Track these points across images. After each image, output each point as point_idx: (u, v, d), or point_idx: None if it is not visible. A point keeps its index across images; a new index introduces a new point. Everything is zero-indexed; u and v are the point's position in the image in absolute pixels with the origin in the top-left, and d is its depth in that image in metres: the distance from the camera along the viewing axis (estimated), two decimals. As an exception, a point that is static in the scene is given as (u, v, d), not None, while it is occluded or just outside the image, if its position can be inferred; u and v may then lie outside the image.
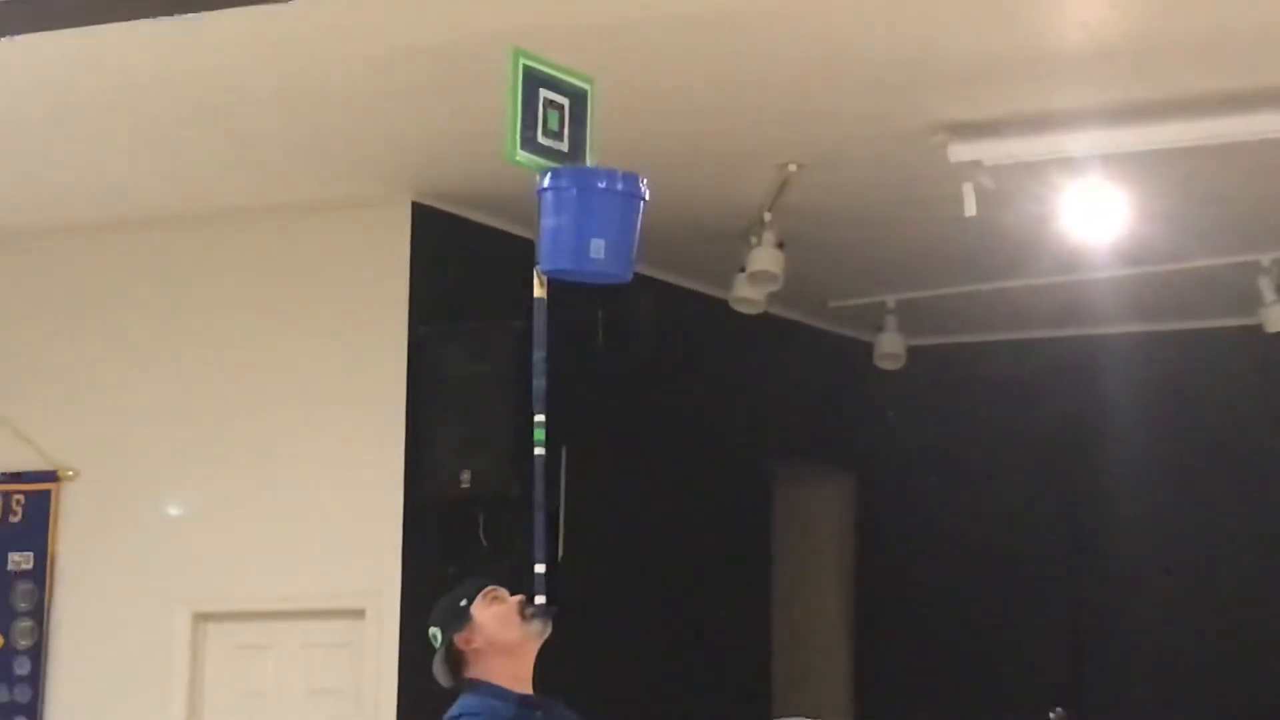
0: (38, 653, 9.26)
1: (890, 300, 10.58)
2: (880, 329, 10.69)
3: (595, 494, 9.47)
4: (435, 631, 5.21)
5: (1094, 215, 8.53)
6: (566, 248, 5.01)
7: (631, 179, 5.08)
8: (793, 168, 8.59)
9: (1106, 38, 7.15)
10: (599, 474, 9.53)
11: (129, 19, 6.84)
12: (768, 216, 8.99)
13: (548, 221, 5.01)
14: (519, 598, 5.13)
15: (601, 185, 5.03)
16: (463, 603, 5.18)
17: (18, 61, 7.36)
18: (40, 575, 9.33)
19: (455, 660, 5.18)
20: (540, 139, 5.06)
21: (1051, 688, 10.25)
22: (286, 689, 9.04)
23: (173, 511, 9.13)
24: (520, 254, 9.29)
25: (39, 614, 9.29)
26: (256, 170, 8.83)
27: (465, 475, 8.70)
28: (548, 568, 5.14)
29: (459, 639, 5.16)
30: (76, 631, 9.26)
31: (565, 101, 5.09)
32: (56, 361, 9.57)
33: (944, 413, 11.25)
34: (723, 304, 9.63)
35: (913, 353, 10.72)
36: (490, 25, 6.85)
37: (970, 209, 8.04)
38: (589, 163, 5.10)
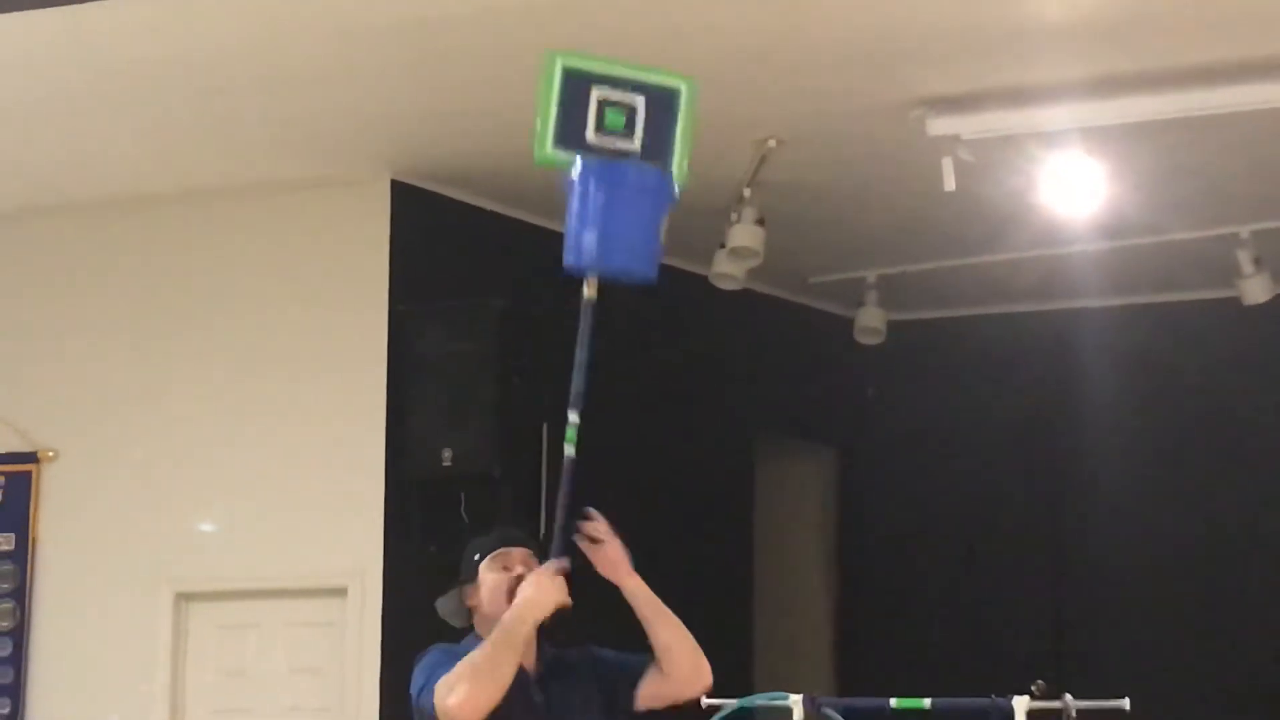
0: (19, 634, 9.25)
1: (870, 275, 10.59)
2: (860, 304, 10.70)
3: (578, 470, 9.46)
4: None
5: (1073, 188, 8.55)
6: (586, 242, 4.87)
7: (651, 172, 4.89)
8: (772, 143, 8.58)
9: (1084, 10, 7.16)
10: (580, 451, 9.52)
11: (107, -1, 6.84)
12: (747, 192, 8.98)
13: (570, 217, 4.88)
14: (516, 574, 5.05)
15: (623, 179, 4.84)
16: (476, 556, 5.13)
17: (-5, 41, 7.35)
18: (21, 556, 9.32)
19: (465, 606, 5.16)
20: (592, 138, 4.87)
21: (1033, 660, 10.27)
22: (269, 668, 9.05)
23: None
24: (500, 232, 9.40)
25: (20, 595, 9.29)
26: (235, 149, 8.81)
27: (447, 454, 8.70)
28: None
29: (466, 591, 5.12)
30: (58, 612, 9.26)
31: (637, 101, 4.88)
32: (36, 342, 9.56)
33: (925, 387, 11.27)
34: (703, 280, 9.62)
35: (893, 327, 10.73)
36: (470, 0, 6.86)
37: (949, 183, 8.04)
38: (677, 163, 4.90)
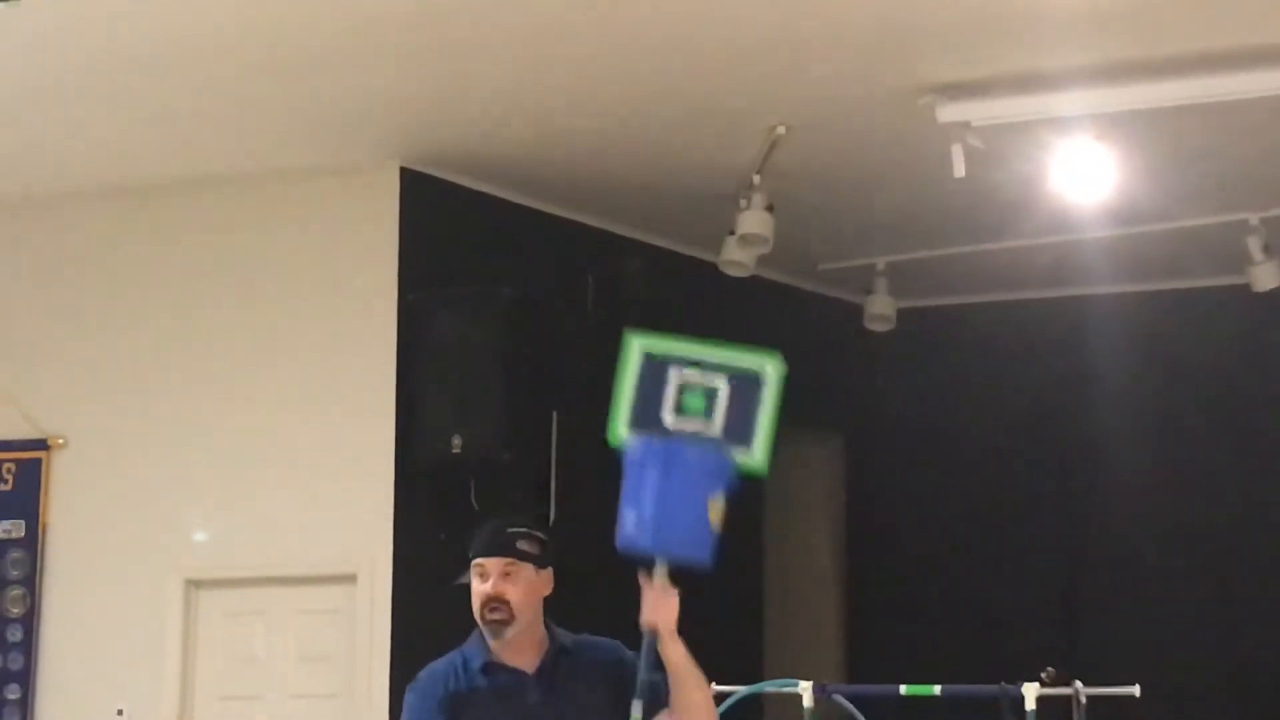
0: (30, 620, 9.27)
1: (880, 262, 10.58)
2: (870, 291, 10.69)
3: (586, 458, 9.46)
4: None
5: (1083, 175, 8.53)
6: (642, 524, 4.75)
7: (714, 457, 4.76)
8: (781, 130, 8.57)
9: (1095, -3, 7.15)
10: (590, 438, 9.52)
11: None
12: (757, 179, 8.97)
13: (626, 496, 4.79)
14: (486, 595, 4.94)
15: (683, 460, 4.71)
16: (471, 553, 5.04)
17: (1, 27, 7.33)
18: (31, 543, 9.33)
19: None
20: (670, 421, 4.77)
21: (1043, 647, 10.27)
22: (279, 655, 9.05)
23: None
24: (510, 219, 9.40)
25: (30, 582, 9.30)
26: (244, 137, 8.80)
27: (456, 441, 8.70)
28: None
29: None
30: (68, 599, 9.27)
31: (719, 382, 4.81)
32: (45, 329, 9.56)
33: (934, 375, 11.27)
34: (712, 267, 9.62)
35: (902, 314, 10.72)
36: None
37: (959, 170, 8.03)
38: (759, 448, 4.78)
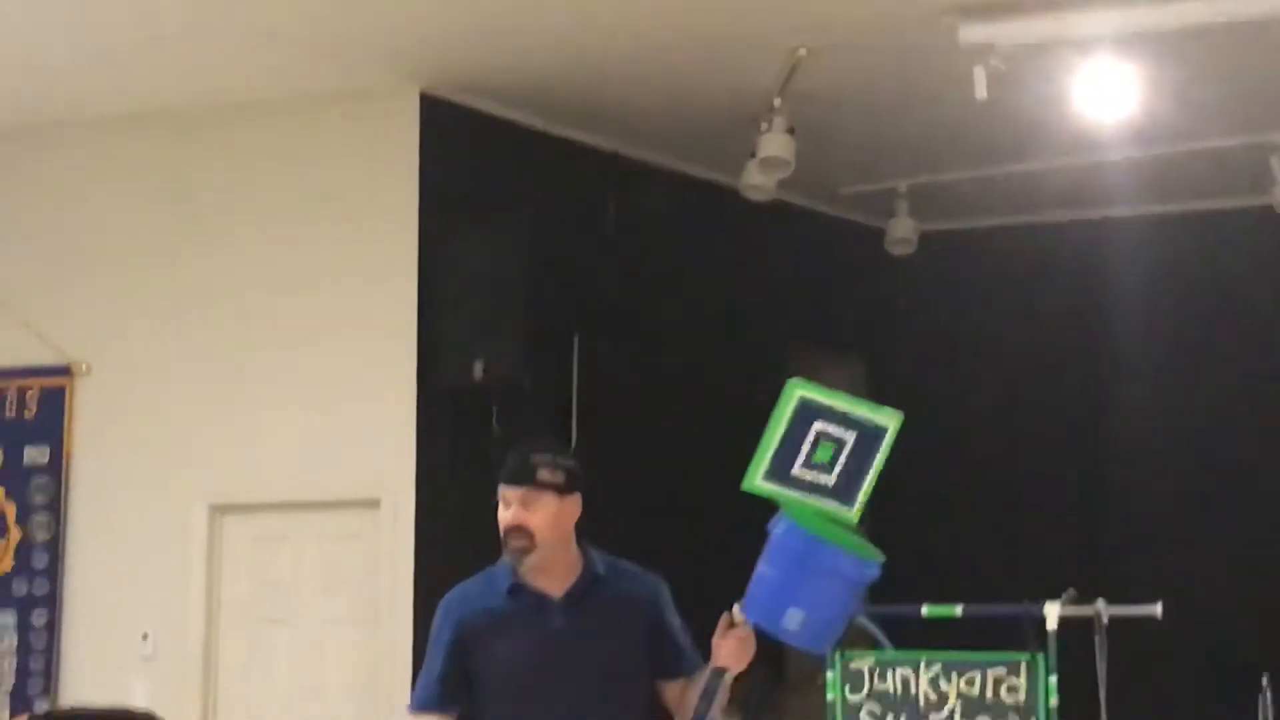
0: (55, 546, 9.31)
1: (901, 185, 10.55)
2: (891, 214, 10.67)
3: (607, 382, 9.49)
4: None
5: (1105, 96, 8.48)
6: (762, 602, 4.71)
7: (863, 566, 4.72)
8: (803, 52, 8.54)
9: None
10: (611, 362, 9.54)
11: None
12: (778, 102, 8.94)
13: (762, 566, 4.73)
14: (507, 523, 4.96)
15: (829, 566, 4.67)
16: (500, 482, 5.03)
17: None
18: (56, 469, 9.37)
19: None
20: (797, 470, 4.75)
21: (1065, 566, 10.30)
22: (303, 579, 9.10)
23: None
24: (530, 144, 9.38)
25: (55, 508, 9.34)
26: (264, 62, 8.79)
27: (478, 366, 8.71)
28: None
29: None
30: (93, 525, 9.31)
31: (849, 436, 4.76)
32: (68, 256, 9.57)
33: (955, 297, 11.24)
34: (733, 191, 9.60)
35: (924, 238, 10.70)
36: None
37: (981, 92, 7.99)
38: (859, 503, 4.79)
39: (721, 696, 4.88)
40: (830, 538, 4.70)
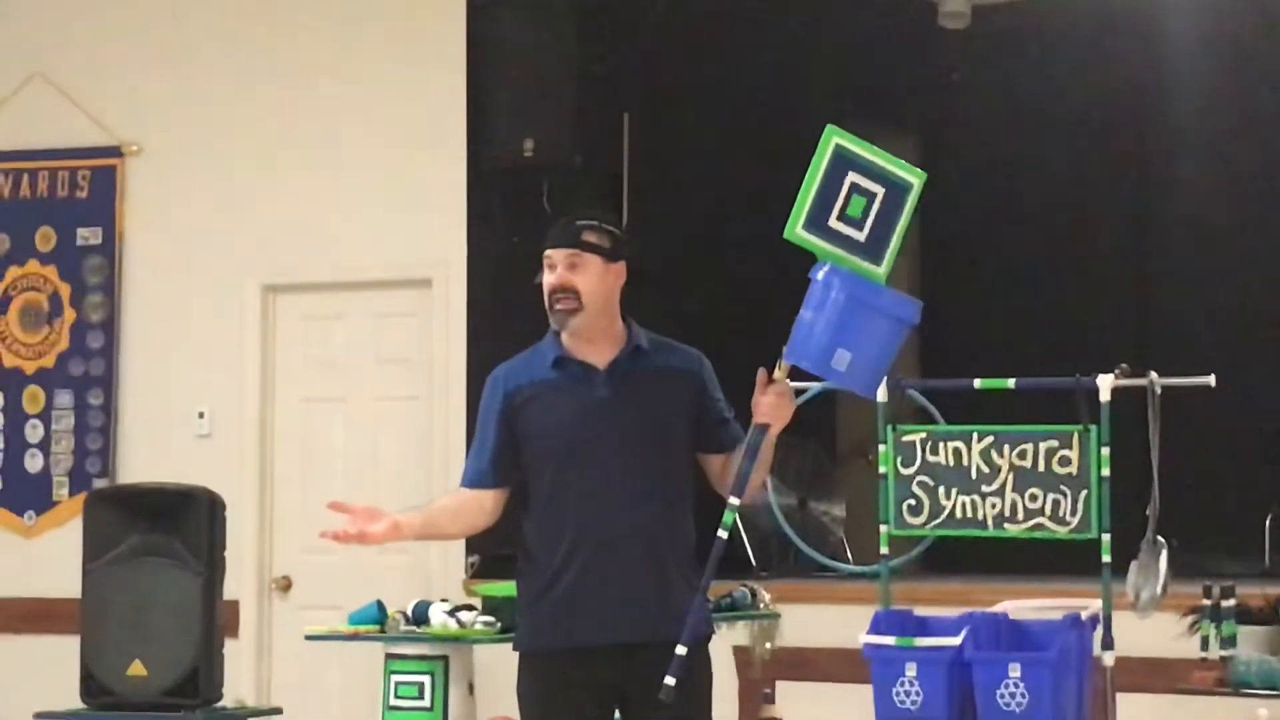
0: (110, 327, 9.37)
1: (955, -44, 10.39)
2: (945, -13, 10.52)
3: (658, 159, 9.46)
4: None
5: None
6: (812, 348, 4.73)
7: (905, 304, 4.82)
8: None
9: None
10: (662, 138, 9.50)
11: None
12: None
13: (805, 313, 4.75)
14: (553, 285, 4.97)
15: (872, 302, 4.75)
16: (546, 247, 5.03)
17: None
18: (109, 249, 9.40)
19: None
20: (833, 222, 4.77)
21: (1118, 340, 10.30)
22: (356, 358, 9.16)
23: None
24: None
25: (109, 288, 9.39)
26: None
27: (528, 144, 8.70)
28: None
29: None
30: (147, 305, 9.36)
31: (879, 191, 4.78)
32: (119, 37, 9.53)
33: (1009, 71, 11.11)
34: (785, -36, 9.48)
35: (977, 11, 10.55)
36: None
37: None
38: (887, 261, 4.80)
39: (765, 453, 4.91)
40: (874, 278, 4.79)
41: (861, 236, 4.80)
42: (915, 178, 4.85)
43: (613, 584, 4.90)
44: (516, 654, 5.10)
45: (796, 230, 4.79)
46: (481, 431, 5.07)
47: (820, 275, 4.78)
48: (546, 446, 4.93)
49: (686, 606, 4.83)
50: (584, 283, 4.94)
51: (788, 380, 4.86)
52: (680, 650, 4.72)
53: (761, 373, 4.83)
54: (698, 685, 4.99)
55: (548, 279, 4.98)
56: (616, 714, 4.96)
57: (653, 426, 4.96)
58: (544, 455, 4.92)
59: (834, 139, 4.81)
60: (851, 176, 4.79)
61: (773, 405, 4.83)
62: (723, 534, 4.82)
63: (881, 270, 4.82)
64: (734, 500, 4.84)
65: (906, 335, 4.89)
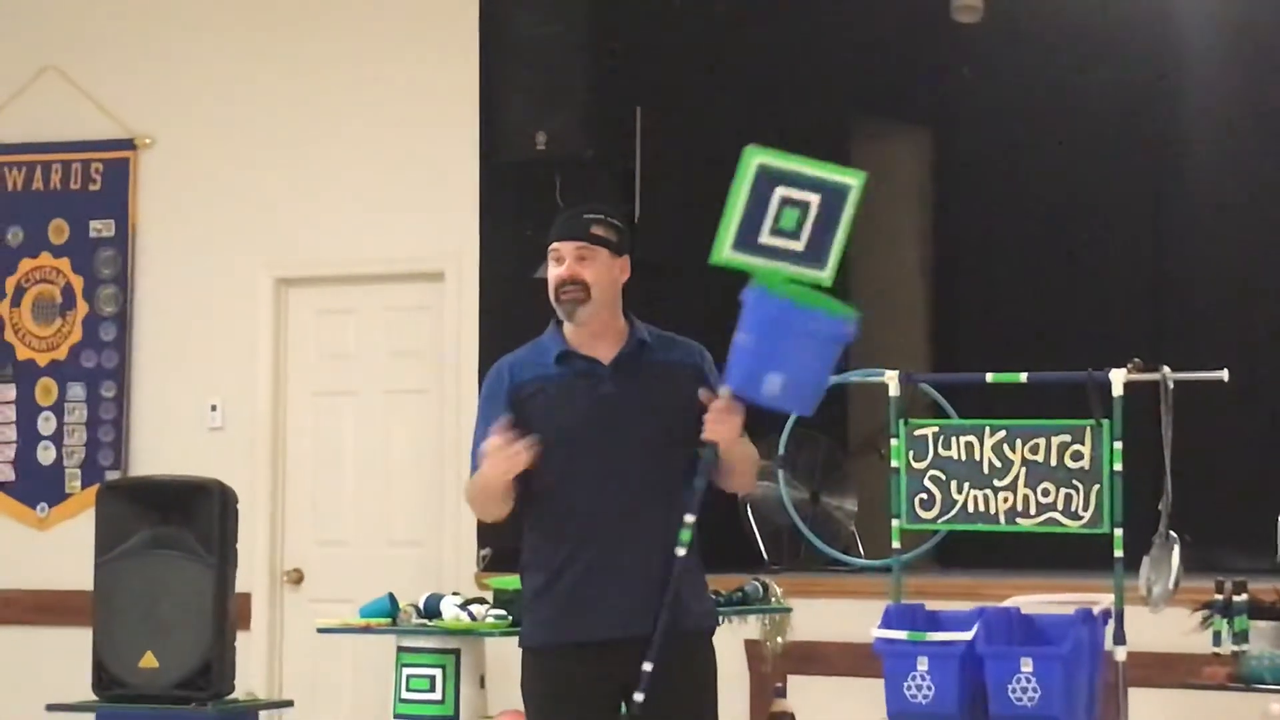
0: (122, 319, 9.39)
1: (968, -51, 10.37)
2: (958, -20, 10.50)
3: (671, 153, 9.44)
4: None
5: None
6: (742, 370, 4.73)
7: (834, 322, 4.77)
8: None
9: None
10: (674, 132, 9.49)
11: None
12: None
13: (739, 336, 4.74)
14: (561, 277, 4.96)
15: (797, 326, 4.72)
16: (552, 239, 5.03)
17: None
18: (122, 242, 9.42)
19: None
20: (765, 239, 4.76)
21: (1131, 334, 10.27)
22: (368, 351, 9.16)
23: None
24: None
25: (122, 280, 9.40)
26: None
27: (541, 137, 8.69)
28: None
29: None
30: (160, 298, 9.38)
31: (813, 199, 4.77)
32: (132, 30, 9.54)
33: (1022, 65, 11.08)
34: (796, -41, 9.47)
35: (991, 4, 10.53)
36: None
37: None
38: (831, 263, 4.79)
39: (713, 471, 4.91)
40: (801, 299, 4.77)
41: (800, 245, 4.80)
42: (854, 179, 4.84)
43: (617, 579, 4.90)
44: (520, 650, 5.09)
45: (724, 254, 4.77)
46: (484, 424, 5.04)
47: (751, 298, 4.77)
48: (550, 444, 4.90)
49: (686, 603, 4.86)
50: (592, 275, 4.94)
51: (729, 398, 4.83)
52: (646, 666, 4.76)
53: (703, 392, 4.86)
54: (702, 679, 5.00)
55: (556, 271, 4.97)
56: (623, 708, 4.95)
57: (658, 422, 4.96)
58: (548, 452, 4.91)
59: (754, 159, 4.79)
60: (780, 191, 4.78)
61: (715, 423, 4.83)
62: (680, 551, 4.83)
63: (826, 274, 4.82)
64: (689, 518, 4.85)
65: (840, 350, 4.86)
